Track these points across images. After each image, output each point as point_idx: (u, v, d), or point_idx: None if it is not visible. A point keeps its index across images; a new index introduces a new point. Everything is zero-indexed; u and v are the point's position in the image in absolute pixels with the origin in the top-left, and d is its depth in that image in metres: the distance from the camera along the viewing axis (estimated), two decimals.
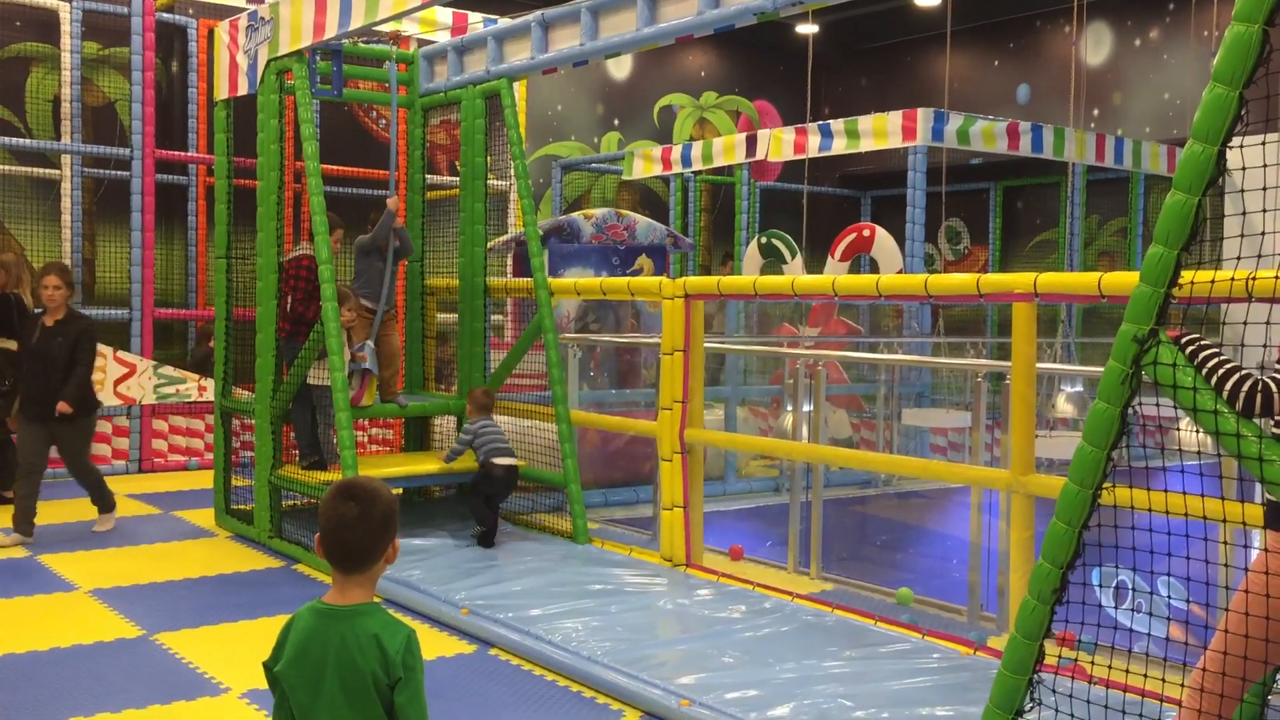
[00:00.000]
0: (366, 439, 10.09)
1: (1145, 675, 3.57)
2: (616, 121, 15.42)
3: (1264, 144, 3.08)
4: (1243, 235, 3.05)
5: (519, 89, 11.52)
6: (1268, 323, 3.09)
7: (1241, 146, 2.93)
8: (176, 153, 10.82)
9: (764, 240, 12.31)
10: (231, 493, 7.76)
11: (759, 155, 11.36)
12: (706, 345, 6.74)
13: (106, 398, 9.70)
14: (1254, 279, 3.27)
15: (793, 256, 12.03)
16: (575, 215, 10.21)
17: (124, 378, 9.79)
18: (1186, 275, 2.93)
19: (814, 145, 10.77)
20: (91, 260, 10.96)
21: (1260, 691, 3.66)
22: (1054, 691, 3.41)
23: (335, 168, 11.04)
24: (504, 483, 6.95)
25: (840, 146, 10.59)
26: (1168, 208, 2.89)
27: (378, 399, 7.34)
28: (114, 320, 10.22)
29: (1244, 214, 3.11)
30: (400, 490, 7.98)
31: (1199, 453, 3.16)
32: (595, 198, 15.12)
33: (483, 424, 7.04)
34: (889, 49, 16.55)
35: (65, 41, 10.38)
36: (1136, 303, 2.94)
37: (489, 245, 8.11)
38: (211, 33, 8.40)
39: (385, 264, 7.42)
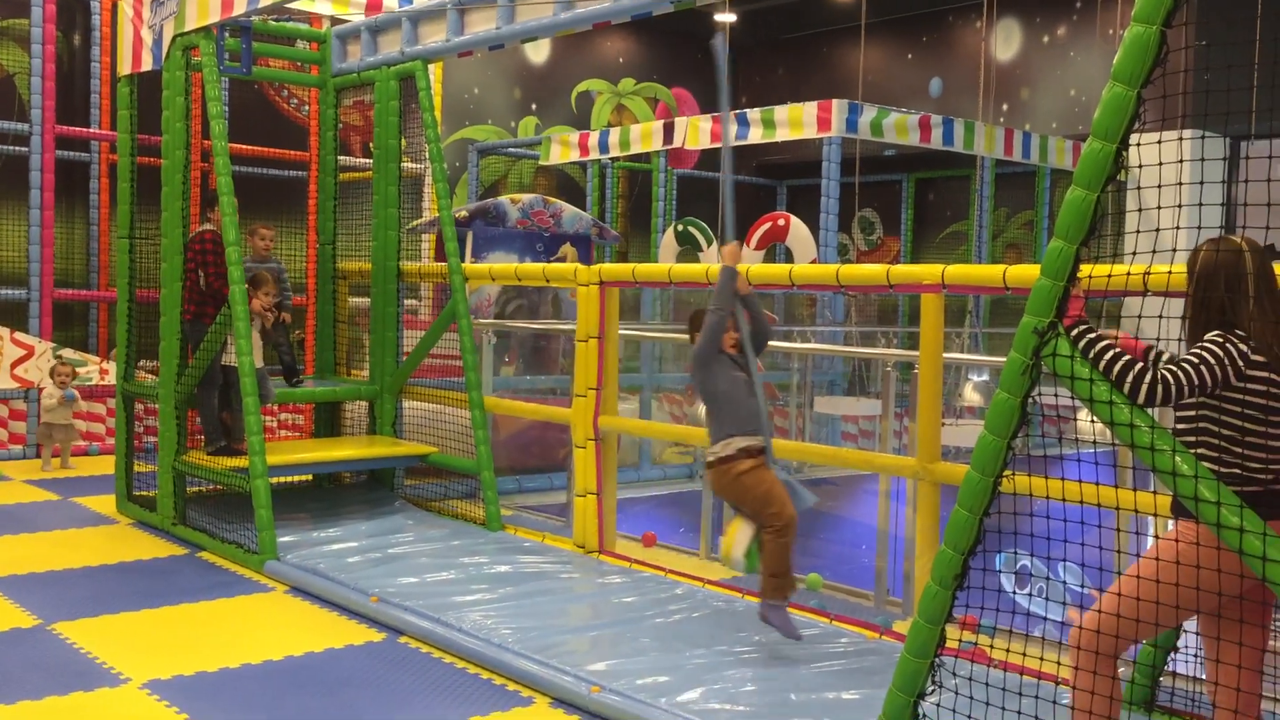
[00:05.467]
0: (276, 424, 9.92)
1: (1042, 658, 3.67)
2: (534, 106, 15.33)
3: (1160, 142, 3.17)
4: (1139, 231, 3.14)
5: (434, 71, 11.39)
6: (1161, 316, 3.19)
7: (1139, 144, 3.01)
8: (78, 129, 10.51)
9: (680, 228, 12.35)
10: (134, 479, 7.58)
11: (676, 143, 11.39)
12: (622, 332, 6.75)
13: (3, 380, 9.40)
14: (1149, 273, 3.37)
15: (708, 244, 12.09)
16: (502, 199, 10.13)
17: (21, 360, 9.48)
18: (1085, 269, 3.01)
19: (731, 134, 10.82)
20: None
21: (1150, 674, 3.80)
22: (954, 674, 3.49)
23: (245, 147, 10.81)
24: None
25: (757, 136, 10.66)
26: (1068, 203, 2.96)
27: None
28: (11, 301, 9.90)
29: (1140, 210, 3.20)
30: (310, 476, 7.88)
31: (1094, 442, 3.25)
32: (512, 183, 15.03)
33: None
34: (806, 40, 16.69)
35: None
36: (1037, 295, 3.01)
37: (410, 225, 8.01)
38: (115, 5, 8.15)
39: (747, 370, 4.80)
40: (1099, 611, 3.08)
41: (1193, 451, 2.95)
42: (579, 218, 10.35)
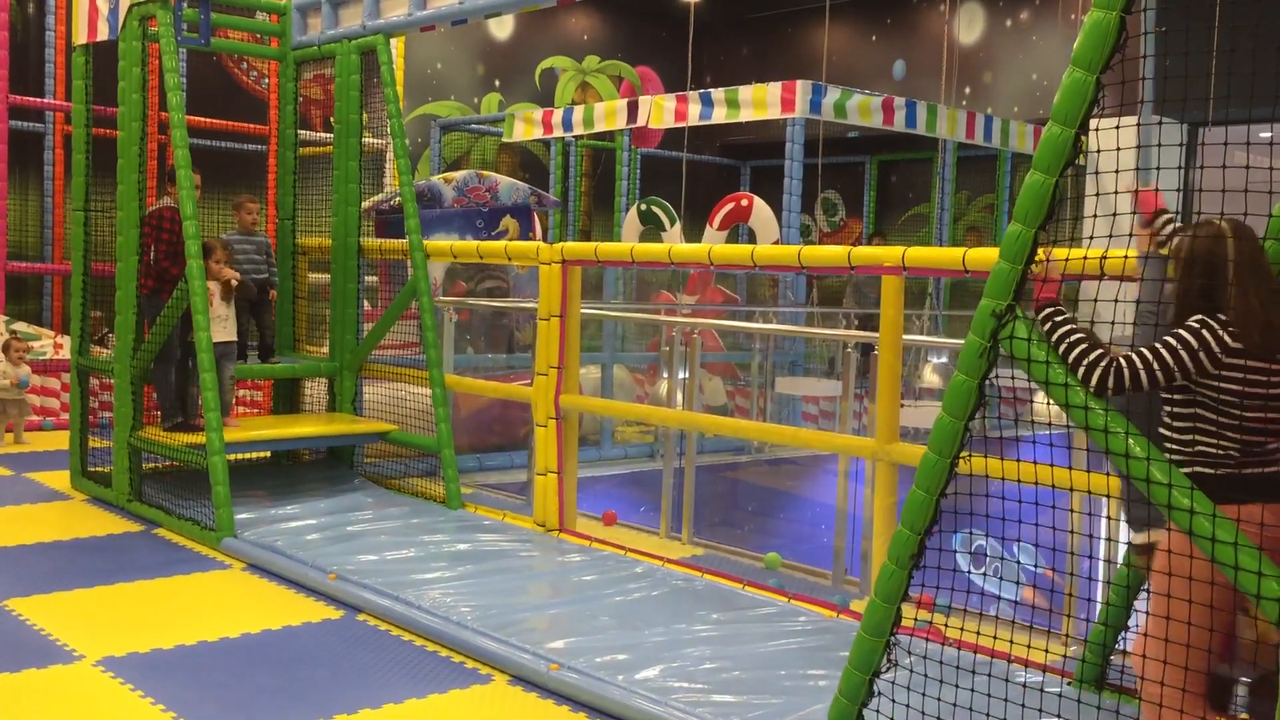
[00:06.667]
0: (234, 400, 9.81)
1: (995, 637, 3.72)
2: (497, 83, 15.23)
3: (1119, 127, 3.20)
4: (1096, 215, 3.17)
5: (396, 45, 11.28)
6: (1116, 300, 3.22)
7: (1098, 129, 3.04)
8: (32, 99, 10.33)
9: (643, 207, 12.32)
10: (89, 454, 7.49)
11: (640, 122, 11.35)
12: (584, 311, 6.74)
13: None
14: (1105, 258, 3.41)
15: (671, 224, 12.07)
16: (435, 179, 10.00)
17: None
18: (1042, 253, 3.03)
19: (695, 114, 10.79)
20: None
21: (1100, 652, 3.86)
22: (910, 652, 3.53)
23: (203, 120, 10.67)
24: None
25: (721, 116, 10.64)
26: (1027, 187, 2.98)
27: None
28: None
29: (1098, 195, 3.24)
30: (269, 453, 7.82)
31: (1049, 424, 3.29)
32: (475, 159, 14.93)
33: None
34: (771, 20, 16.67)
35: None
36: (996, 279, 3.04)
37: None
38: None
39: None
40: (1152, 638, 2.99)
41: (1188, 438, 2.92)
42: (515, 188, 10.18)
